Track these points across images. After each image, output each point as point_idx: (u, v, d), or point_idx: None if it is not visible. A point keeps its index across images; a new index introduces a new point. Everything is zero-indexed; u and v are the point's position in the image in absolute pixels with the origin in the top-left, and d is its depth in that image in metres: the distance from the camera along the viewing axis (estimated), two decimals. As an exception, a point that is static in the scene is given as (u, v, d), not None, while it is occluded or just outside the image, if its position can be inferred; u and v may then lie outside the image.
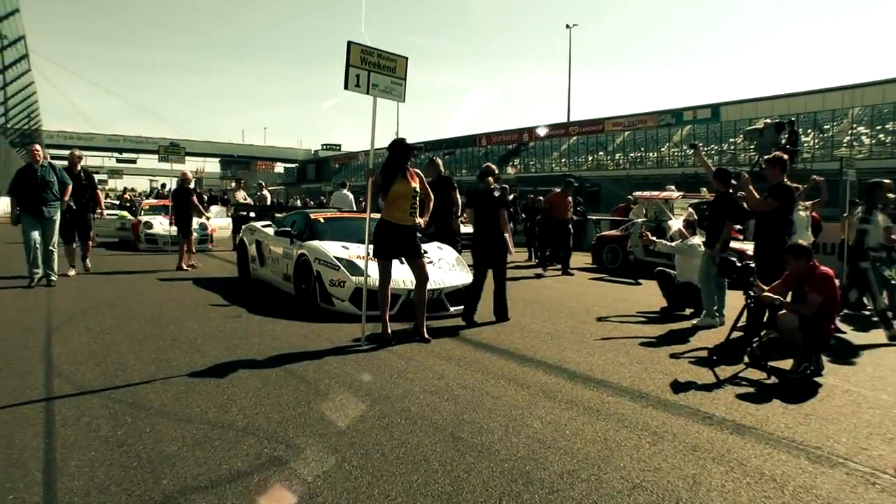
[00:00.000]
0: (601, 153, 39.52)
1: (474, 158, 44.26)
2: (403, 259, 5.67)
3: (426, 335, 5.50)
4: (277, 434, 3.17)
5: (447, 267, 7.25)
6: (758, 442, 3.28)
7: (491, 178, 6.84)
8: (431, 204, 5.70)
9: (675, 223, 10.07)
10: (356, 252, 7.00)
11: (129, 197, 28.99)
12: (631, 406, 3.83)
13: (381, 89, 5.24)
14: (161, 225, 14.35)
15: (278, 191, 58.76)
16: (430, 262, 7.19)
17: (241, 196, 16.08)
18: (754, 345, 4.93)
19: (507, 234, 6.68)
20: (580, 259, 13.23)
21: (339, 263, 6.68)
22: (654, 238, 8.23)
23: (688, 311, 7.51)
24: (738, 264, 5.46)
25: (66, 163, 9.46)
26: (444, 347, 5.29)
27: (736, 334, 5.39)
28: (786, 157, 6.62)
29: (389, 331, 5.44)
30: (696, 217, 8.93)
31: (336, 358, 4.77)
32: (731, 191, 6.96)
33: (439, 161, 8.88)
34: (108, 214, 15.29)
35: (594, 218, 14.74)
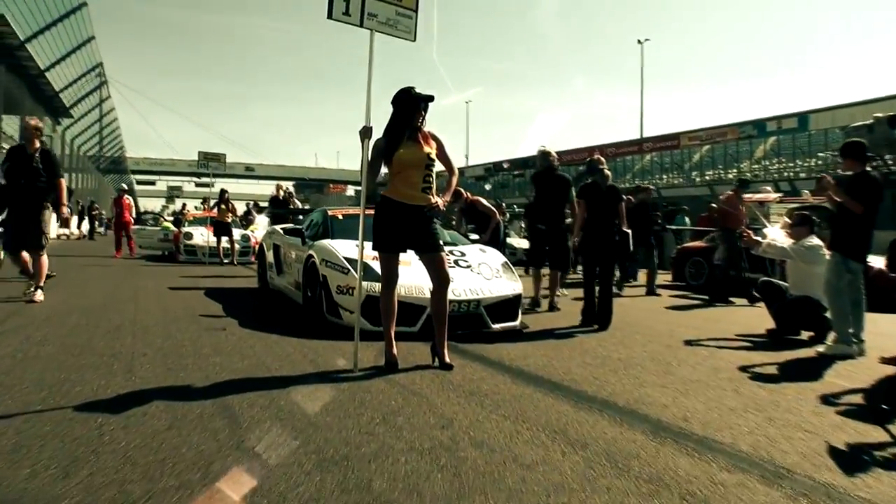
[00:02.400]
0: (676, 171, 36.93)
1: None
2: (414, 252, 4.20)
3: (447, 360, 4.00)
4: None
5: (490, 273, 5.74)
6: None
7: (608, 172, 6.33)
8: (456, 179, 4.22)
9: (772, 231, 8.12)
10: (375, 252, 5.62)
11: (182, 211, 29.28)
12: (768, 495, 2.18)
13: (380, 21, 3.85)
14: (202, 236, 13.70)
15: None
16: (468, 267, 5.72)
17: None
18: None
19: (629, 231, 6.38)
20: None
21: (348, 266, 5.31)
22: (757, 238, 6.38)
23: (805, 335, 5.67)
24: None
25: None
26: (469, 377, 3.76)
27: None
28: None
29: (395, 352, 3.97)
30: (807, 213, 7.00)
31: (307, 389, 3.35)
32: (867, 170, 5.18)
33: (551, 152, 7.37)
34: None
35: (674, 228, 12.84)
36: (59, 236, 22.32)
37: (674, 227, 12.86)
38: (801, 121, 30.73)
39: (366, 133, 3.86)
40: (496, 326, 5.39)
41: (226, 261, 13.05)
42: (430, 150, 3.92)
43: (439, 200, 3.98)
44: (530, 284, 7.39)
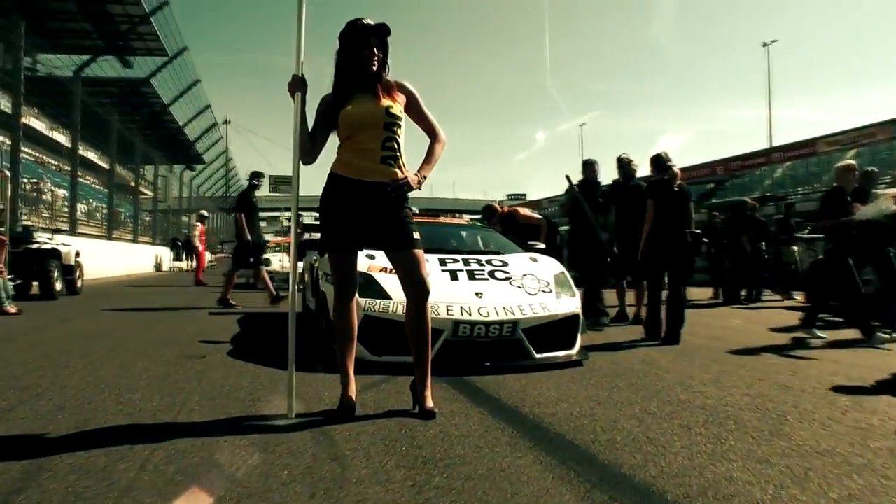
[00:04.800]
0: (816, 184, 32.54)
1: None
2: (373, 251, 3.02)
3: (429, 404, 2.77)
4: None
5: (535, 286, 4.43)
6: None
7: (676, 169, 5.65)
8: (441, 148, 2.95)
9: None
10: (386, 263, 4.52)
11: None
12: None
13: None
14: (280, 262, 13.36)
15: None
16: (507, 279, 4.46)
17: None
18: None
19: (700, 231, 5.68)
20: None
21: (349, 279, 4.23)
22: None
23: None
24: None
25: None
26: (447, 433, 2.50)
27: None
28: None
29: (353, 393, 2.80)
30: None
31: (190, 443, 2.27)
32: None
33: (629, 160, 6.77)
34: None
35: (804, 236, 10.58)
36: (171, 269, 23.54)
37: (804, 236, 10.61)
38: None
39: (295, 85, 2.77)
40: (541, 356, 4.06)
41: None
42: (392, 103, 2.74)
43: (410, 175, 2.77)
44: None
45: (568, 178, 6.50)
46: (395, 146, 2.74)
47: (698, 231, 5.62)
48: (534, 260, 4.99)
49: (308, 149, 2.81)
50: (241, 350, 4.53)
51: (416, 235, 2.82)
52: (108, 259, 16.25)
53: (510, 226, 6.72)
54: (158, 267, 23.16)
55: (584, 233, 6.47)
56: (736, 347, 5.05)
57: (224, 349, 4.55)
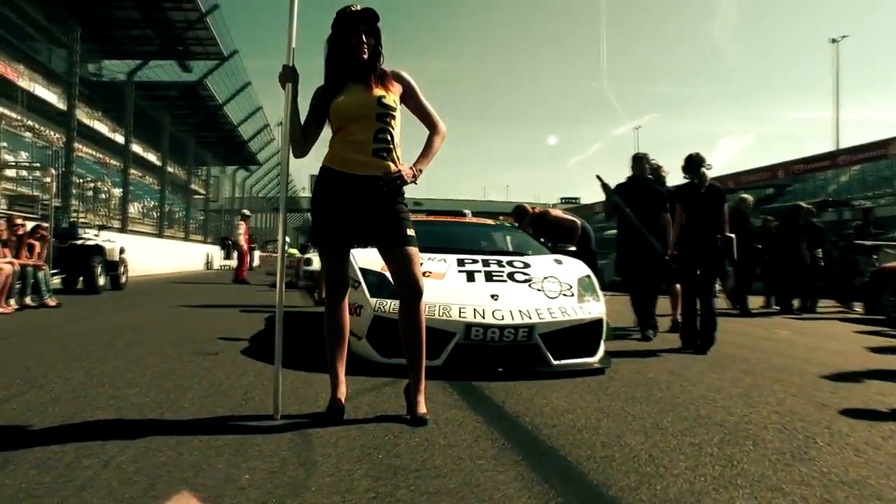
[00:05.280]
0: (888, 189, 30.64)
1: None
2: (366, 246, 2.88)
3: (421, 410, 2.62)
4: None
5: (555, 290, 4.22)
6: None
7: (705, 171, 5.34)
8: (441, 140, 2.79)
9: None
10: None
11: None
12: None
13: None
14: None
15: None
16: (526, 281, 4.27)
17: None
18: None
19: (732, 235, 5.33)
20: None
21: (360, 278, 4.14)
22: None
23: None
24: None
25: None
26: (448, 438, 2.36)
27: None
28: None
29: (342, 395, 2.68)
30: None
31: (164, 441, 2.19)
32: None
33: (658, 165, 6.38)
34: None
35: (865, 243, 9.88)
36: (220, 267, 24.19)
37: (865, 243, 9.92)
38: None
39: (286, 75, 2.67)
40: (559, 363, 3.85)
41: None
42: (385, 93, 2.61)
43: (405, 168, 2.64)
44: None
45: (599, 177, 6.12)
46: (389, 138, 2.61)
47: (730, 235, 5.30)
48: (558, 262, 4.78)
49: (300, 142, 2.71)
50: (256, 348, 4.49)
51: (411, 232, 2.68)
52: (158, 256, 16.80)
53: (542, 227, 6.48)
54: (209, 265, 23.82)
55: (630, 235, 6.02)
56: (777, 360, 4.70)
57: (239, 347, 4.53)
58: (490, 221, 6.45)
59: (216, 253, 24.90)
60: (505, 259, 4.64)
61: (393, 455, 2.17)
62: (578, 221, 6.41)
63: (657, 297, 6.44)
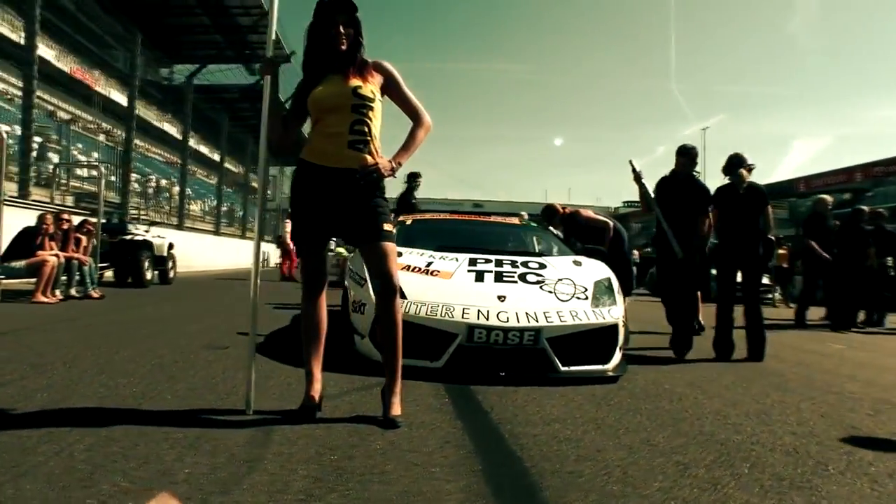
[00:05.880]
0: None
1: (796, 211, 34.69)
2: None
3: (395, 412, 2.53)
4: None
5: (568, 292, 4.03)
6: None
7: (744, 171, 5.06)
8: (425, 133, 2.67)
9: None
10: (414, 260, 4.33)
11: None
12: None
13: None
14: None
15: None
16: (539, 283, 4.12)
17: None
18: None
19: (773, 237, 5.39)
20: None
21: (364, 275, 4.08)
22: None
23: None
24: None
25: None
26: (414, 443, 2.25)
27: None
28: None
29: (317, 393, 2.60)
30: None
31: (124, 431, 2.18)
32: None
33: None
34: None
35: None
36: (276, 264, 24.85)
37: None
38: None
39: (266, 68, 2.63)
40: (567, 369, 3.67)
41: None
42: (363, 83, 2.52)
43: (382, 161, 2.54)
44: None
45: (631, 162, 5.30)
46: (366, 130, 2.53)
47: (771, 238, 5.07)
48: (577, 263, 4.57)
49: (280, 134, 2.67)
50: (268, 345, 4.51)
51: (388, 227, 2.59)
52: (214, 253, 17.41)
53: (572, 228, 6.27)
54: (265, 262, 24.51)
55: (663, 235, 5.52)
56: (817, 376, 4.34)
57: (238, 342, 4.54)
58: (516, 221, 6.28)
59: (273, 251, 25.62)
60: (521, 259, 4.49)
61: (346, 457, 2.08)
62: (610, 223, 6.15)
63: (696, 307, 6.10)
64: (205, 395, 2.85)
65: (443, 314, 3.68)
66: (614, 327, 3.91)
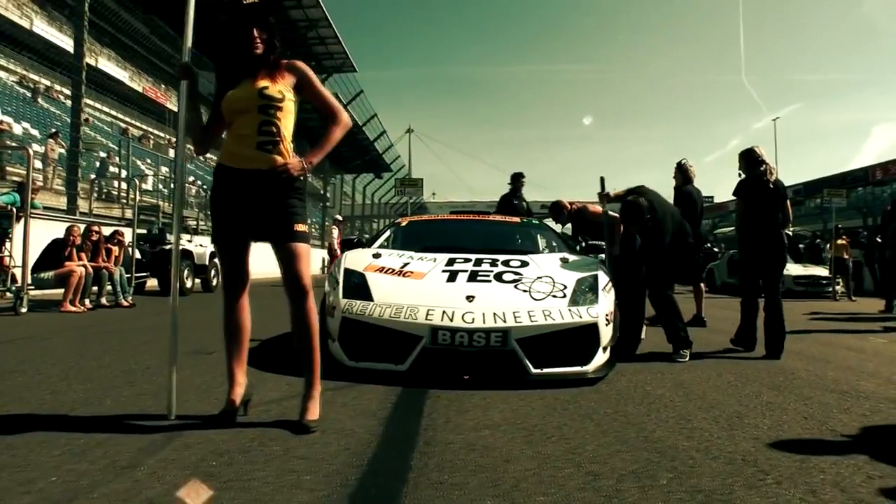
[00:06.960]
0: None
1: (864, 200, 32.03)
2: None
3: (311, 416, 2.46)
4: None
5: (544, 291, 3.84)
6: None
7: (771, 165, 4.97)
8: (341, 132, 2.60)
9: None
10: (391, 262, 4.25)
11: None
12: None
13: None
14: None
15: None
16: (514, 282, 3.95)
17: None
18: None
19: (790, 232, 4.62)
20: None
21: (339, 278, 4.04)
22: None
23: None
24: None
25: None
26: (315, 449, 2.18)
27: None
28: None
29: (238, 396, 2.57)
30: None
31: (45, 437, 2.22)
32: None
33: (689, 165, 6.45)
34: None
35: None
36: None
37: None
38: None
39: (182, 73, 2.64)
40: (539, 371, 3.49)
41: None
42: (270, 83, 2.47)
43: (293, 161, 2.48)
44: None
45: (602, 180, 5.35)
46: (275, 130, 2.48)
47: (788, 232, 4.79)
48: (564, 261, 4.36)
49: (199, 139, 2.67)
50: (261, 352, 4.51)
51: (300, 228, 2.53)
52: (272, 261, 17.92)
53: (581, 224, 6.02)
54: (324, 269, 25.13)
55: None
56: (832, 374, 3.94)
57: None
58: (515, 220, 6.08)
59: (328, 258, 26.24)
60: (502, 258, 4.32)
61: (227, 463, 2.02)
62: (617, 217, 5.85)
63: (699, 301, 6.04)
64: (145, 402, 2.88)
65: (406, 316, 3.58)
66: (593, 326, 3.68)
